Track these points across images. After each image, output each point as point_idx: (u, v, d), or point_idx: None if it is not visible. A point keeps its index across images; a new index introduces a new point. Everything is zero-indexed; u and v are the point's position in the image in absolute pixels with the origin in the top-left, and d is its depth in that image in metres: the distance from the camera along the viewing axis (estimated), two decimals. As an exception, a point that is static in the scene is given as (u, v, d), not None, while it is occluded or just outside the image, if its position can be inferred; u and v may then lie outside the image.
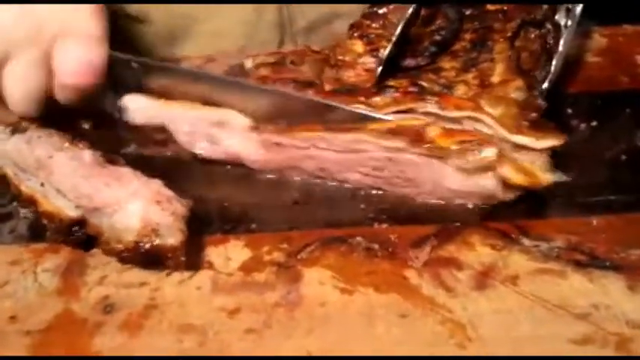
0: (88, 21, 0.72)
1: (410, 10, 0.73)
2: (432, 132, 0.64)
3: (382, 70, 0.72)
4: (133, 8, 1.02)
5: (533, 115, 0.66)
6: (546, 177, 0.63)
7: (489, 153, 0.62)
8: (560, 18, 0.76)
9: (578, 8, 0.75)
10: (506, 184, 0.64)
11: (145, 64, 0.77)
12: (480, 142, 0.62)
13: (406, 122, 0.66)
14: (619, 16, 1.00)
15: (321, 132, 0.68)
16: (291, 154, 0.70)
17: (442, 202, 0.68)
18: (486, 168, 0.63)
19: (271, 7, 1.04)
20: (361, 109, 0.69)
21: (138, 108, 0.76)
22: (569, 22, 0.75)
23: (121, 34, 1.04)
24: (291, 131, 0.69)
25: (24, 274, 0.64)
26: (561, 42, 0.75)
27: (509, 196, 0.65)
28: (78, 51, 0.71)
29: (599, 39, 0.95)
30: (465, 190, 0.65)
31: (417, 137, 0.64)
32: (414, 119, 0.67)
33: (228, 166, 0.75)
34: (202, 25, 1.04)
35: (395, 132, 0.65)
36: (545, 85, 0.72)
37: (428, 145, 0.64)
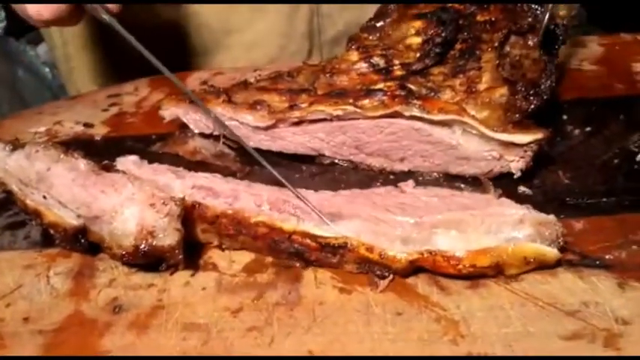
0: None
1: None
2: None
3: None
4: (169, 21, 1.03)
5: (517, 116, 0.68)
6: (554, 252, 0.62)
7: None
8: (558, 30, 0.79)
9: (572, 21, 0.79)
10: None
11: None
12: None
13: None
14: (617, 24, 1.02)
15: None
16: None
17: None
18: None
19: (303, 18, 1.06)
20: (350, 110, 0.71)
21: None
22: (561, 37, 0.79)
23: (157, 46, 1.06)
24: None
25: (38, 277, 0.67)
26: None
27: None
28: None
29: (596, 48, 0.96)
30: None
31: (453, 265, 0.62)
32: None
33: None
34: (236, 36, 1.05)
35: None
36: (547, 94, 0.74)
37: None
